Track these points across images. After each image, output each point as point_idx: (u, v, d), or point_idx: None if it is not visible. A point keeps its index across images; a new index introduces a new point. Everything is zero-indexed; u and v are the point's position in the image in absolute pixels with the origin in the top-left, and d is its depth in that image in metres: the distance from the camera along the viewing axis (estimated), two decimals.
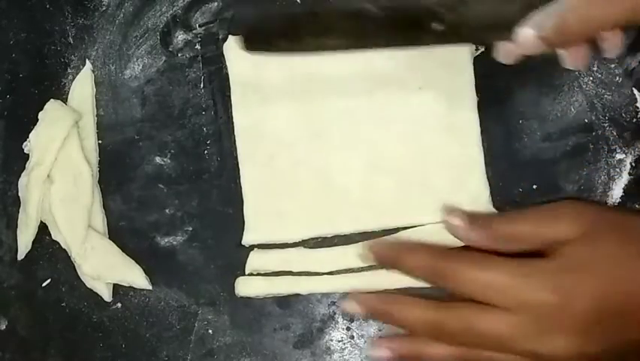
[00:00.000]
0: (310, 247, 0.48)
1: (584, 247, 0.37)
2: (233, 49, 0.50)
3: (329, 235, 0.48)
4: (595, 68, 0.49)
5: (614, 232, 0.39)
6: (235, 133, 0.49)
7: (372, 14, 0.37)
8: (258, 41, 0.41)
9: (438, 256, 0.39)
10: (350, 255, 0.47)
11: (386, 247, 0.42)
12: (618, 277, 0.37)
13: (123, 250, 0.49)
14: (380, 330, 0.48)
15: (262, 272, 0.48)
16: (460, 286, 0.38)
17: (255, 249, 0.48)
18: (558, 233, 0.38)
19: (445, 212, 0.41)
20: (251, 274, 0.48)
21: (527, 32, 0.36)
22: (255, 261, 0.48)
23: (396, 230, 0.47)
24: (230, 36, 0.50)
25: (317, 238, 0.48)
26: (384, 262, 0.42)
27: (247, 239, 0.48)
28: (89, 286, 0.49)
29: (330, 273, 0.47)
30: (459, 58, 0.48)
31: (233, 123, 0.49)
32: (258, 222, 0.48)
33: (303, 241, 0.48)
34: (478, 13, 0.36)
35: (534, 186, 0.48)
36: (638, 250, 0.38)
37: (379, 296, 0.42)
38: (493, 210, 0.47)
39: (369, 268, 0.47)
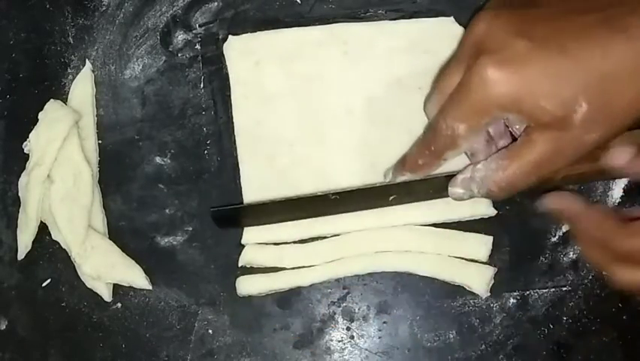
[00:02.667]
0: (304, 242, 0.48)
1: None
2: (233, 49, 0.50)
3: (328, 235, 0.48)
4: None
5: None
6: (235, 133, 0.49)
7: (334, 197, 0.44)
8: (230, 225, 0.48)
9: (615, 228, 0.40)
10: (344, 245, 0.47)
11: (568, 206, 0.43)
12: None
13: (123, 250, 0.49)
14: (380, 330, 0.48)
15: (256, 266, 0.48)
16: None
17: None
18: None
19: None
20: (245, 270, 0.48)
21: (457, 192, 0.43)
22: (249, 254, 0.48)
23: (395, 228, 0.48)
24: (230, 36, 0.50)
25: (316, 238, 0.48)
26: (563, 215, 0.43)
27: (247, 238, 0.48)
28: (89, 286, 0.49)
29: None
30: None
31: (233, 123, 0.49)
32: None
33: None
34: (420, 190, 0.45)
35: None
36: None
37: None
38: (493, 209, 0.47)
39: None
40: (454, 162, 0.42)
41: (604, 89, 0.36)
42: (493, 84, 0.37)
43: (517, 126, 0.40)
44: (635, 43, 0.35)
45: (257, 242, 0.48)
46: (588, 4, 0.38)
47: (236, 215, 0.47)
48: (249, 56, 0.49)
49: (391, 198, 0.45)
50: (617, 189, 0.49)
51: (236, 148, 0.49)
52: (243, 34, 0.50)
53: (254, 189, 0.48)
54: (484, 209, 0.47)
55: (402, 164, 0.44)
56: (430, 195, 0.45)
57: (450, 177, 0.43)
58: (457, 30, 0.49)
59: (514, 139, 0.40)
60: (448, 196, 0.43)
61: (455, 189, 0.42)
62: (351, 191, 0.45)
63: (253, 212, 0.47)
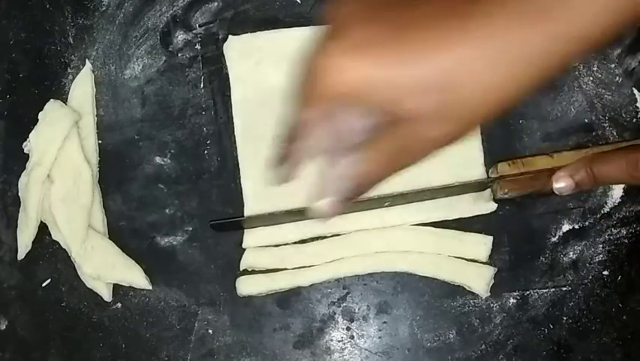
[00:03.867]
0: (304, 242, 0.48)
1: None
2: (233, 49, 0.50)
3: (328, 235, 0.48)
4: (595, 68, 0.49)
5: None
6: (235, 133, 0.49)
7: None
8: (230, 230, 0.48)
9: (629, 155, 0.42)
10: (344, 245, 0.47)
11: (580, 169, 0.45)
12: None
13: (123, 250, 0.49)
14: (380, 330, 0.48)
15: (257, 269, 0.48)
16: None
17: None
18: None
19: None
20: (246, 270, 0.48)
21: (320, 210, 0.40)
22: (250, 258, 0.48)
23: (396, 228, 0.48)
24: (230, 36, 0.50)
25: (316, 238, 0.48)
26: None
27: (247, 242, 0.48)
28: (89, 286, 0.49)
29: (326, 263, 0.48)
30: None
31: (233, 123, 0.49)
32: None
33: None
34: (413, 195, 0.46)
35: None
36: None
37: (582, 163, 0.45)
38: (493, 204, 0.48)
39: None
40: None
41: (448, 84, 0.34)
42: (337, 71, 0.35)
43: (364, 119, 0.38)
44: (480, 33, 0.33)
45: (257, 245, 0.48)
46: None
47: (235, 227, 0.47)
48: (249, 56, 0.49)
49: (386, 203, 0.46)
50: (617, 190, 0.49)
51: (236, 148, 0.49)
52: (243, 34, 0.50)
53: (254, 189, 0.48)
54: (484, 206, 0.47)
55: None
56: (423, 198, 0.46)
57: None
58: None
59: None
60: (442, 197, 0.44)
61: (317, 202, 0.40)
62: None
63: (251, 223, 0.47)
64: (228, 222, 0.47)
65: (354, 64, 0.34)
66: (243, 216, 0.48)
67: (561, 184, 0.45)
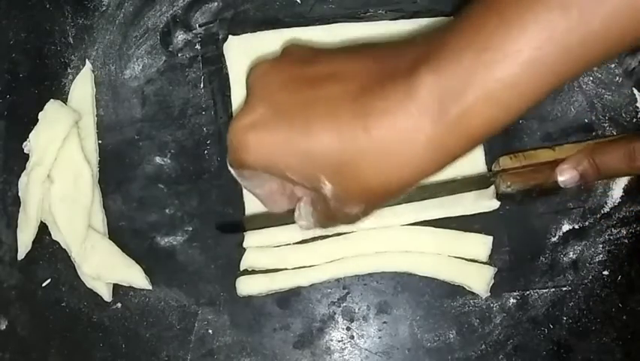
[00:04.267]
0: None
1: None
2: (233, 49, 0.50)
3: (328, 235, 0.48)
4: (595, 68, 0.49)
5: None
6: None
7: None
8: (235, 232, 0.48)
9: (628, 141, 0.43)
10: (344, 245, 0.47)
11: (582, 161, 0.45)
12: None
13: (123, 250, 0.49)
14: (380, 330, 0.48)
15: (257, 269, 0.48)
16: None
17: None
18: None
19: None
20: (246, 270, 0.48)
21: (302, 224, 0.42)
22: (250, 258, 0.48)
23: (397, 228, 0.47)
24: (230, 36, 0.50)
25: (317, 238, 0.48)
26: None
27: (248, 242, 0.48)
28: (89, 286, 0.49)
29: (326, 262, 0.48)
30: None
31: None
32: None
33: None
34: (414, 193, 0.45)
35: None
36: None
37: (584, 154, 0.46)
38: (496, 202, 0.48)
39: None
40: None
41: (343, 173, 0.34)
42: (242, 146, 0.36)
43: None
44: (373, 135, 0.33)
45: (258, 245, 0.48)
46: (357, 67, 0.35)
47: (241, 225, 0.47)
48: (249, 56, 0.49)
49: None
50: (617, 190, 0.49)
51: None
52: (243, 34, 0.50)
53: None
54: (487, 203, 0.47)
55: None
56: (424, 197, 0.46)
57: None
58: None
59: None
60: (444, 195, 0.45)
61: (300, 222, 0.41)
62: None
63: (257, 221, 0.47)
64: (233, 224, 0.47)
65: (256, 142, 0.35)
66: (244, 215, 0.48)
67: (565, 176, 0.45)
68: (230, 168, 0.39)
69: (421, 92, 0.32)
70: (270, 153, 0.35)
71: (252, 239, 0.48)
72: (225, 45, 0.50)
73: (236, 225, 0.47)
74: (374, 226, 0.47)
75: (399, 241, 0.48)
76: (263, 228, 0.47)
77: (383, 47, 0.36)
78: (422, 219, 0.48)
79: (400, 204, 0.47)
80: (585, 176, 0.45)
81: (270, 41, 0.49)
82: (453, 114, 0.31)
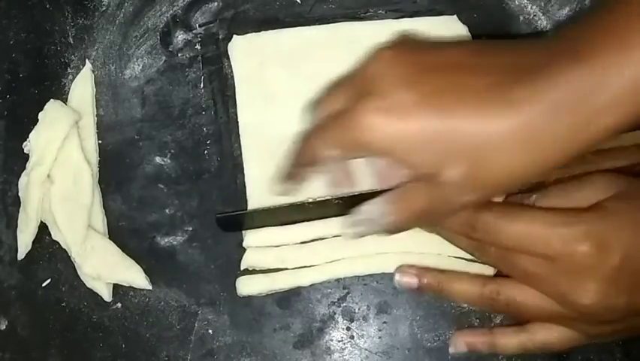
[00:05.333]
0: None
1: (619, 201, 0.39)
2: (237, 48, 0.50)
3: (329, 236, 0.48)
4: None
5: None
6: (240, 132, 0.49)
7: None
8: (234, 229, 0.48)
9: (476, 209, 0.40)
10: (344, 245, 0.47)
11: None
12: None
13: (123, 250, 0.49)
14: (380, 330, 0.48)
15: (257, 268, 0.48)
16: (499, 237, 0.39)
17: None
18: (594, 197, 0.39)
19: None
20: (246, 270, 0.48)
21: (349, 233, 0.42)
22: (250, 257, 0.48)
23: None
24: (234, 36, 0.50)
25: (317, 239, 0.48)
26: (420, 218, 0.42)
27: (248, 242, 0.48)
28: (89, 286, 0.49)
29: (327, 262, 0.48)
30: None
31: (233, 123, 0.49)
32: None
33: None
34: None
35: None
36: None
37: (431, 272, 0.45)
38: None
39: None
40: None
41: (477, 158, 0.35)
42: (367, 130, 0.36)
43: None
44: (514, 121, 0.34)
45: (258, 245, 0.48)
46: (485, 63, 0.36)
47: (241, 220, 0.47)
48: (253, 56, 0.49)
49: None
50: None
51: (237, 148, 0.49)
52: (248, 34, 0.50)
53: (258, 189, 0.48)
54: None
55: (279, 173, 0.45)
56: None
57: None
58: (461, 28, 0.49)
59: None
60: None
61: (347, 230, 0.42)
62: (352, 196, 0.45)
63: (257, 217, 0.47)
64: (234, 217, 0.47)
65: (387, 127, 0.36)
66: (249, 218, 0.48)
67: (404, 278, 0.45)
68: (327, 148, 0.39)
69: (561, 85, 0.33)
70: (401, 135, 0.36)
71: (252, 238, 0.48)
72: (230, 45, 0.50)
73: (237, 220, 0.47)
74: None
75: (399, 242, 0.47)
76: (264, 226, 0.47)
77: (511, 43, 0.38)
78: None
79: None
80: (426, 289, 0.45)
81: (274, 41, 0.50)
82: (593, 108, 0.33)
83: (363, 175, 0.42)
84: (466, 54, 0.38)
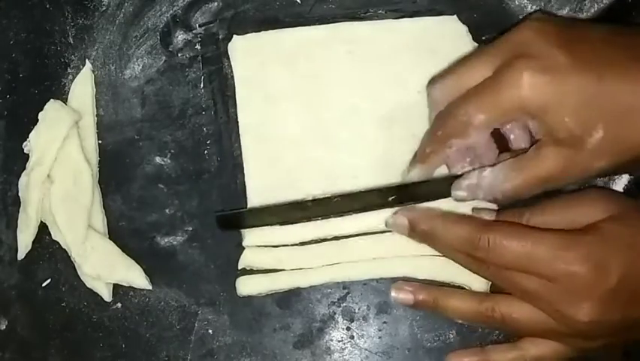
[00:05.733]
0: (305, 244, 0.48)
1: (616, 223, 0.40)
2: (238, 48, 0.50)
3: (328, 237, 0.48)
4: None
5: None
6: (240, 132, 0.49)
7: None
8: (233, 228, 0.48)
9: (475, 226, 0.41)
10: (342, 250, 0.47)
11: (422, 217, 0.44)
12: None
13: (123, 250, 0.49)
14: (380, 330, 0.48)
15: (255, 268, 0.48)
16: (502, 258, 0.40)
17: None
18: (588, 216, 0.41)
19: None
20: (245, 270, 0.48)
21: (460, 195, 0.43)
22: (249, 257, 0.48)
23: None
24: (235, 36, 0.50)
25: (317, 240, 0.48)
26: (418, 233, 0.44)
27: (248, 241, 0.48)
28: (89, 286, 0.49)
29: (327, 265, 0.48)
30: None
31: (233, 123, 0.49)
32: None
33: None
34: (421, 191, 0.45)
35: None
36: None
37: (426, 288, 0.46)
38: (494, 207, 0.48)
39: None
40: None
41: (623, 121, 0.38)
42: (526, 87, 0.38)
43: (524, 134, 0.42)
44: None
45: (258, 245, 0.48)
46: (625, 41, 0.40)
47: (240, 219, 0.47)
48: (253, 56, 0.49)
49: (391, 198, 0.45)
50: (618, 189, 0.49)
51: (237, 148, 0.49)
52: (248, 34, 0.50)
53: (258, 189, 0.48)
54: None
55: (413, 157, 0.45)
56: (430, 195, 0.45)
57: (449, 179, 0.43)
58: (461, 28, 0.49)
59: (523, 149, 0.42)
60: (448, 197, 0.44)
61: (459, 192, 0.43)
62: (352, 194, 0.45)
63: (257, 215, 0.47)
64: (234, 215, 0.47)
65: (545, 85, 0.38)
66: (248, 216, 0.48)
67: (400, 295, 0.46)
68: (483, 112, 0.40)
69: None
70: (559, 95, 0.38)
71: (252, 238, 0.48)
72: (230, 45, 0.50)
73: (237, 218, 0.47)
74: (373, 230, 0.47)
75: (398, 245, 0.47)
76: (264, 225, 0.47)
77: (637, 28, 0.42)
78: None
79: (407, 203, 0.46)
80: (421, 306, 0.46)
81: (274, 40, 0.50)
82: None
83: (487, 149, 0.43)
84: (605, 32, 0.40)
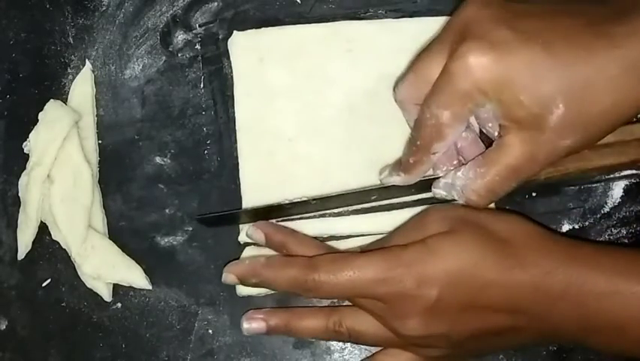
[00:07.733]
0: None
1: (442, 238, 0.40)
2: (237, 44, 0.50)
3: (325, 235, 0.48)
4: None
5: (473, 227, 0.40)
6: (237, 128, 0.49)
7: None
8: (221, 225, 0.48)
9: (299, 269, 0.41)
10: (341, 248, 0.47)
11: (253, 263, 0.44)
12: (468, 265, 0.39)
13: (123, 250, 0.49)
14: None
15: None
16: (330, 293, 0.41)
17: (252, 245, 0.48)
18: (424, 234, 0.40)
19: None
20: None
21: (440, 193, 0.43)
22: (248, 254, 0.47)
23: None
24: (234, 32, 0.50)
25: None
26: (248, 277, 0.44)
27: (243, 237, 0.48)
28: (89, 286, 0.49)
29: None
30: None
31: (233, 123, 0.49)
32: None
33: None
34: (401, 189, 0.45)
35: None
36: (494, 247, 0.39)
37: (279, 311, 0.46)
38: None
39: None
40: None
41: (582, 93, 0.36)
42: (475, 69, 0.37)
43: (491, 124, 0.40)
44: (618, 52, 0.36)
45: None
46: (576, 8, 0.38)
47: (224, 219, 0.47)
48: (252, 52, 0.49)
49: (372, 197, 0.46)
50: (618, 189, 0.49)
51: (236, 148, 0.49)
52: (248, 30, 0.50)
53: (253, 186, 0.48)
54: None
55: (397, 165, 0.44)
56: (410, 192, 0.45)
57: (431, 180, 0.44)
58: None
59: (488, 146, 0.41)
60: (428, 192, 0.44)
61: (438, 190, 0.43)
62: (329, 196, 0.45)
63: (235, 217, 0.47)
64: (215, 218, 0.47)
65: (493, 63, 0.36)
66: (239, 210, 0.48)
67: (253, 325, 0.45)
68: (445, 108, 0.39)
69: None
70: (510, 70, 0.36)
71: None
72: (230, 41, 0.50)
73: (219, 220, 0.47)
74: (372, 231, 0.47)
75: None
76: (250, 220, 0.47)
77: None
78: None
79: (388, 199, 0.46)
80: (275, 331, 0.45)
81: (274, 38, 0.50)
82: None
83: (476, 149, 0.42)
84: (556, 2, 0.39)
